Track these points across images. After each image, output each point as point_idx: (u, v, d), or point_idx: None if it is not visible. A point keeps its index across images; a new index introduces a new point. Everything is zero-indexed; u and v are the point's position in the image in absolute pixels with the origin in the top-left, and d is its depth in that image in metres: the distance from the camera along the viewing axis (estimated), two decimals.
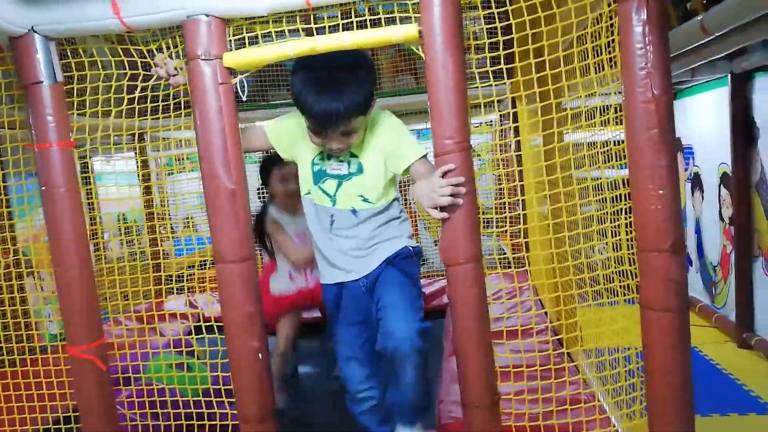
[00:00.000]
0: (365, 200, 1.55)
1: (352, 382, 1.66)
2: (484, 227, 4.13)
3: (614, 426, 1.61)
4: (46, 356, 2.21)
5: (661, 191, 1.16)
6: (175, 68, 1.34)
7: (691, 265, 4.43)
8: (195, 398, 1.70)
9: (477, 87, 1.35)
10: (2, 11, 1.24)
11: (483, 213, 4.59)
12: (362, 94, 1.42)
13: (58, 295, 1.39)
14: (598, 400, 1.77)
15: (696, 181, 4.32)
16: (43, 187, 1.34)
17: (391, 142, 1.52)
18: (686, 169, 4.46)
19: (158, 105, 1.51)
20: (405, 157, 1.49)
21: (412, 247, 1.61)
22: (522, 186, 3.14)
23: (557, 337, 2.10)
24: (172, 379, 1.92)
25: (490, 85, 1.39)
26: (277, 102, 4.16)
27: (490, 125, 4.68)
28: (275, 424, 1.37)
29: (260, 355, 1.33)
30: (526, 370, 1.76)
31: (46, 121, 1.31)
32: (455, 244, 1.24)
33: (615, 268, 1.51)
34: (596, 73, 1.38)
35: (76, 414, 1.74)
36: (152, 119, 1.65)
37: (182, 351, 1.97)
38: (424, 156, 1.49)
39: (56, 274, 1.38)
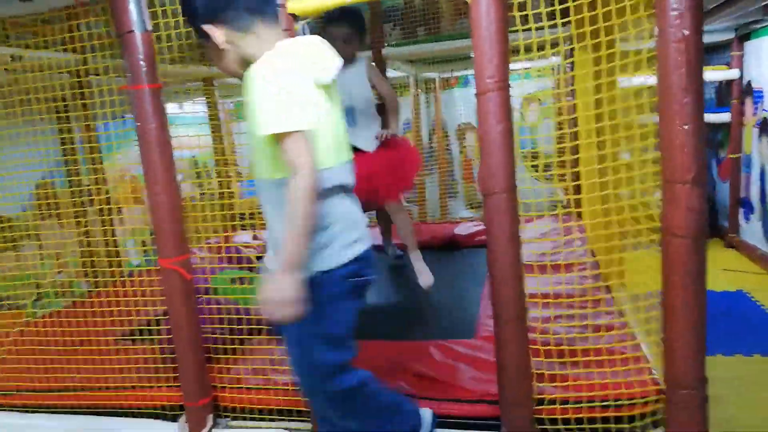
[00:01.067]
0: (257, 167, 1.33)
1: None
2: (543, 171, 4.20)
3: (643, 352, 1.74)
4: (131, 279, 2.55)
5: (686, 126, 1.24)
6: None
7: (753, 212, 4.34)
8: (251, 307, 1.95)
9: (533, 29, 1.40)
10: None
11: (541, 157, 4.64)
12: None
13: (151, 217, 1.63)
14: (630, 328, 1.89)
15: (765, 127, 4.17)
16: (138, 124, 1.56)
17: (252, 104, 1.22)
18: (755, 114, 4.30)
19: None
20: (258, 127, 1.20)
21: (322, 272, 1.27)
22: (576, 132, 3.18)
23: (598, 272, 2.22)
24: (234, 291, 2.17)
25: (551, 26, 1.43)
26: None
27: (552, 70, 4.65)
28: None
29: None
30: (565, 300, 1.92)
31: (140, 66, 1.52)
32: (492, 176, 1.38)
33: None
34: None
35: (149, 327, 2.06)
36: None
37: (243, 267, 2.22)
38: (284, 135, 1.16)
39: (149, 198, 1.62)
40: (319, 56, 1.29)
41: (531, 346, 1.49)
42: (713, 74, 4.32)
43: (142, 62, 1.51)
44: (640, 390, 1.50)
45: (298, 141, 1.16)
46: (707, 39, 4.27)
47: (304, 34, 1.44)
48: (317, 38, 1.32)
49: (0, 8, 1.62)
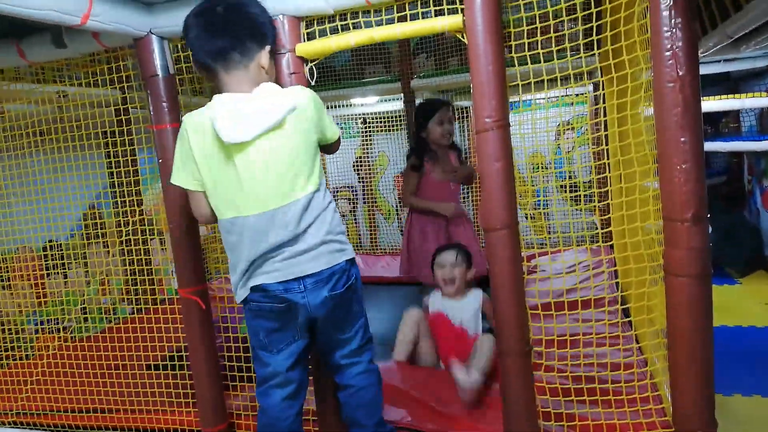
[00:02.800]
0: None
1: None
2: (577, 202, 4.13)
3: (662, 392, 1.69)
4: (166, 307, 2.66)
5: (684, 165, 1.24)
6: None
7: None
8: None
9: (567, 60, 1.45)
10: (128, 18, 1.55)
11: (577, 188, 4.59)
12: None
13: (171, 248, 1.72)
14: (650, 366, 1.84)
15: None
16: (160, 160, 1.67)
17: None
18: None
19: None
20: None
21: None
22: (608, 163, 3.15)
23: (622, 306, 2.18)
24: None
25: (580, 57, 1.47)
26: (373, 79, 4.40)
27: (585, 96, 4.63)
28: None
29: None
30: (582, 338, 1.88)
31: (162, 107, 1.63)
32: (492, 212, 1.40)
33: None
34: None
35: (180, 353, 2.14)
36: None
37: None
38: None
39: (170, 230, 1.71)
40: (231, 115, 1.36)
41: (537, 384, 1.48)
42: (752, 101, 4.20)
43: (164, 104, 1.62)
44: (648, 431, 1.47)
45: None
46: (744, 66, 4.19)
47: (312, 75, 1.51)
48: (266, 87, 1.40)
49: (37, 55, 1.75)
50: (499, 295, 1.43)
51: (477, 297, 2.31)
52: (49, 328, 3.06)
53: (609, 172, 2.79)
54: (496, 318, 1.46)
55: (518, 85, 1.42)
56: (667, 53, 1.22)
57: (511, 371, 1.45)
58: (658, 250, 1.40)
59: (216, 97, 1.38)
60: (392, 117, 5.00)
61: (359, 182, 5.79)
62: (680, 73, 1.21)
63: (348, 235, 6.12)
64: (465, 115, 5.60)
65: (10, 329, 2.57)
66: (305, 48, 1.48)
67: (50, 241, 3.37)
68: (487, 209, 1.40)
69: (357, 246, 5.98)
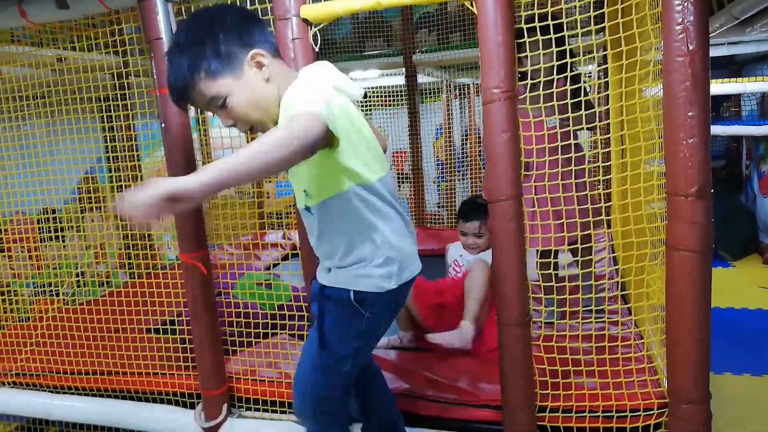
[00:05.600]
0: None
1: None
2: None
3: (656, 364, 1.72)
4: (164, 271, 2.67)
5: (691, 140, 1.24)
6: None
7: None
8: (273, 311, 2.03)
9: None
10: None
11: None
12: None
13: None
14: (645, 339, 1.87)
15: None
16: (163, 125, 1.65)
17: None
18: None
19: None
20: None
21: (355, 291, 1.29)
22: (608, 139, 3.17)
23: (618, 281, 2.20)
24: (254, 295, 2.25)
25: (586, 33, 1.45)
26: (374, 52, 4.36)
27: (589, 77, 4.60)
28: None
29: None
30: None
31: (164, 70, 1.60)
32: (497, 184, 1.40)
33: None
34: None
35: (177, 318, 2.15)
36: None
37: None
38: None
39: None
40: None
41: (535, 354, 1.50)
42: (754, 85, 4.20)
43: None
44: (644, 402, 1.50)
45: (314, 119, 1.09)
46: (749, 49, 4.18)
47: (315, 40, 1.50)
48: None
49: (39, 16, 1.72)
50: (502, 265, 1.44)
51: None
52: (46, 292, 3.08)
53: (611, 147, 2.78)
54: (496, 288, 1.47)
55: (527, 56, 1.40)
56: (678, 27, 1.21)
57: (510, 341, 1.47)
58: (660, 225, 1.41)
59: (314, 66, 1.28)
60: (393, 92, 4.97)
61: None
62: (690, 48, 1.21)
63: None
64: (465, 92, 5.58)
65: (7, 293, 2.57)
66: (310, 10, 1.46)
67: (46, 207, 3.37)
68: (492, 180, 1.41)
69: None
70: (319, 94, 1.14)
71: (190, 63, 1.19)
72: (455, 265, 2.41)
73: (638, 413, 1.49)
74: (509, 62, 1.35)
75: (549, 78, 1.48)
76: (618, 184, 2.85)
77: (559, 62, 1.48)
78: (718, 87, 4.42)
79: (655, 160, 1.46)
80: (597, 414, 1.53)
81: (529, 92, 1.43)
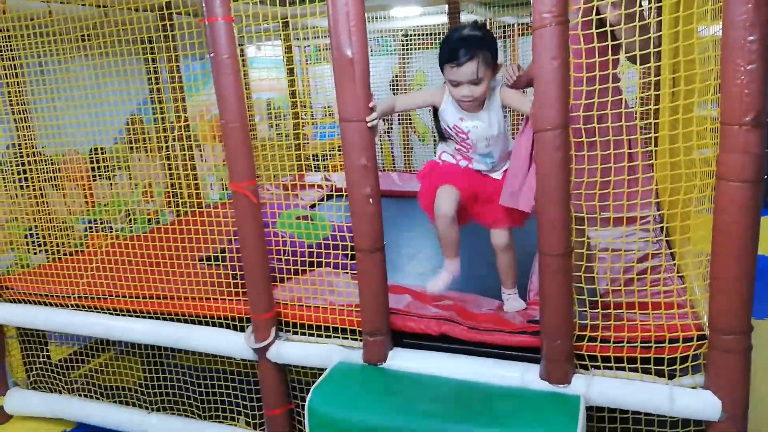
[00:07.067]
0: None
1: None
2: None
3: (695, 298, 1.73)
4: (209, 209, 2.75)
5: (749, 66, 1.21)
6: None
7: None
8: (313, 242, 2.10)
9: None
10: None
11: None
12: None
13: (223, 143, 1.77)
14: (683, 273, 1.86)
15: None
16: (212, 54, 1.68)
17: None
18: None
19: None
20: None
21: None
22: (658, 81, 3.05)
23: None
24: (298, 226, 2.30)
25: None
26: None
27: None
28: (382, 256, 1.69)
29: (371, 200, 1.63)
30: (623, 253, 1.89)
31: (214, 0, 1.62)
32: (544, 112, 1.39)
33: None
34: None
35: (223, 254, 2.23)
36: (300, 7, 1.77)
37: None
38: None
39: (222, 125, 1.76)
40: None
41: (575, 284, 1.53)
42: None
43: None
44: (682, 333, 1.51)
45: None
46: None
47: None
48: None
49: None
50: (546, 195, 1.44)
51: (497, 93, 1.89)
52: (97, 228, 3.23)
53: (661, 90, 2.68)
54: (540, 218, 1.48)
55: None
56: None
57: (552, 270, 1.49)
58: (710, 171, 1.38)
59: None
60: (434, 33, 4.86)
61: None
62: None
63: (382, 154, 6.21)
64: (509, 33, 5.40)
65: (63, 228, 2.71)
66: None
67: (96, 147, 3.49)
68: (540, 108, 1.40)
69: (391, 166, 6.01)
70: None
71: None
72: (460, 138, 1.94)
73: (677, 344, 1.51)
74: None
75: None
76: (668, 128, 2.77)
77: None
78: None
79: (707, 104, 1.41)
80: (635, 345, 1.56)
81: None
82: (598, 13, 1.46)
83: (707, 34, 1.50)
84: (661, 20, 2.53)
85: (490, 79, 1.84)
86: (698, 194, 1.44)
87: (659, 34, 2.52)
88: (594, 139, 1.46)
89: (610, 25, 1.44)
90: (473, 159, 1.99)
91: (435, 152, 2.11)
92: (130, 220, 3.34)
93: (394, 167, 5.92)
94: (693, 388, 1.48)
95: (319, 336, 1.92)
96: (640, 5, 1.43)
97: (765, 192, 1.31)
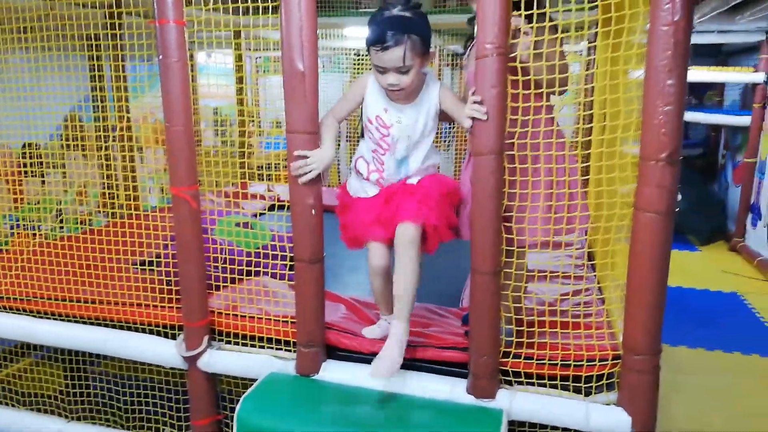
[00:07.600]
0: None
1: None
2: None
3: (614, 322, 1.84)
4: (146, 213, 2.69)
5: (667, 108, 1.32)
6: None
7: (760, 219, 4.36)
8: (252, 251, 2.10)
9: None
10: None
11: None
12: None
13: (166, 147, 1.76)
14: (603, 296, 1.98)
15: None
16: (161, 57, 1.68)
17: None
18: None
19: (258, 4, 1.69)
20: None
21: None
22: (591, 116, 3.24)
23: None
24: (233, 237, 2.29)
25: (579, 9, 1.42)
26: (370, 10, 4.34)
27: (580, 54, 4.66)
28: (322, 268, 1.72)
29: (314, 210, 1.65)
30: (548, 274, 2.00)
31: (166, 2, 1.62)
32: (481, 139, 1.47)
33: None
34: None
35: (158, 259, 2.19)
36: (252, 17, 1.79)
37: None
38: None
39: (166, 129, 1.74)
40: None
41: (503, 303, 1.60)
42: (737, 75, 4.31)
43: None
44: (599, 353, 1.61)
45: None
46: (737, 39, 4.27)
47: None
48: None
49: None
50: (479, 217, 1.52)
51: (434, 91, 1.73)
52: (25, 227, 3.09)
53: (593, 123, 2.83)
54: (473, 239, 1.55)
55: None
56: None
57: (481, 288, 1.56)
58: (629, 202, 1.48)
59: None
60: None
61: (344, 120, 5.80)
62: (675, 18, 1.28)
63: (330, 171, 6.19)
64: (457, 62, 5.58)
65: None
66: None
67: (29, 142, 3.35)
68: (478, 134, 1.47)
69: (337, 182, 6.04)
70: None
71: None
72: (380, 134, 1.74)
73: (594, 363, 1.60)
74: (504, 20, 1.40)
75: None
76: (596, 161, 2.94)
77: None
78: (702, 74, 4.52)
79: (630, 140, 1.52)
80: (556, 363, 1.64)
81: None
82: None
83: (634, 76, 1.62)
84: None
85: (420, 67, 1.65)
86: (618, 223, 1.55)
87: (588, 72, 2.71)
88: (526, 165, 1.55)
89: (521, 62, 1.48)
90: (385, 166, 1.76)
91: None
92: (61, 220, 3.21)
93: (340, 183, 5.96)
94: (607, 405, 1.57)
95: (252, 346, 1.91)
96: (558, 44, 1.50)
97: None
